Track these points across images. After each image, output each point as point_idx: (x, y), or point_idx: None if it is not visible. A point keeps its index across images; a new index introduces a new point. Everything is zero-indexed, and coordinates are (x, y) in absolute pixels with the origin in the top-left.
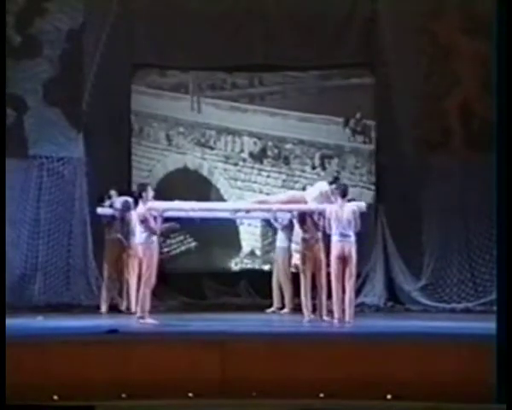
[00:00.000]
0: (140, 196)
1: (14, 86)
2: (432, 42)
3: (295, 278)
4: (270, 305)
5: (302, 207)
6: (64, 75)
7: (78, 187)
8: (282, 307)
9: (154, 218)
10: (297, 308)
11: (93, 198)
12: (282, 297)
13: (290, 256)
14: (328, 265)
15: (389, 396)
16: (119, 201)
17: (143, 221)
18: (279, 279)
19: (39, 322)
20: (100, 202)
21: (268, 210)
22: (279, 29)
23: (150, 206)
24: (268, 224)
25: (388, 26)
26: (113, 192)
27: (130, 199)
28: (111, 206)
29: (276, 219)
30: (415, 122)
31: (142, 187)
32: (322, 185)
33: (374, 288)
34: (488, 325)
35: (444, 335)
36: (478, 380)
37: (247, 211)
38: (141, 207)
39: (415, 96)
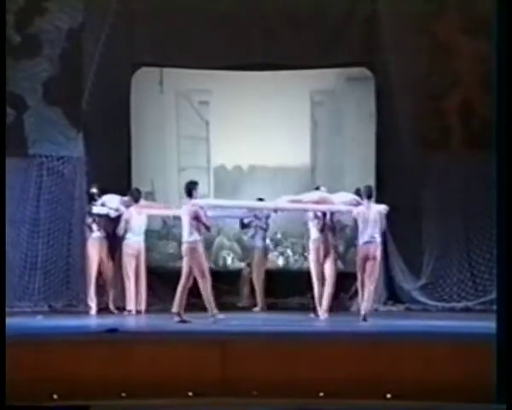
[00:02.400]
0: (190, 195)
1: (13, 85)
2: (432, 42)
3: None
4: (273, 304)
5: (332, 207)
6: (64, 74)
7: (78, 186)
8: (254, 305)
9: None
10: (270, 307)
11: None
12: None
13: (266, 255)
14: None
15: (389, 395)
16: (115, 199)
17: (196, 218)
18: (253, 278)
19: (39, 321)
20: (91, 201)
21: (303, 209)
22: (279, 28)
23: (195, 202)
24: (241, 224)
25: (388, 25)
26: (94, 190)
27: (124, 198)
28: (102, 204)
29: (260, 219)
30: (415, 121)
31: (193, 185)
32: (349, 194)
33: None
34: (488, 324)
35: (443, 334)
36: (477, 379)
37: (283, 210)
38: (190, 205)
39: (415, 96)
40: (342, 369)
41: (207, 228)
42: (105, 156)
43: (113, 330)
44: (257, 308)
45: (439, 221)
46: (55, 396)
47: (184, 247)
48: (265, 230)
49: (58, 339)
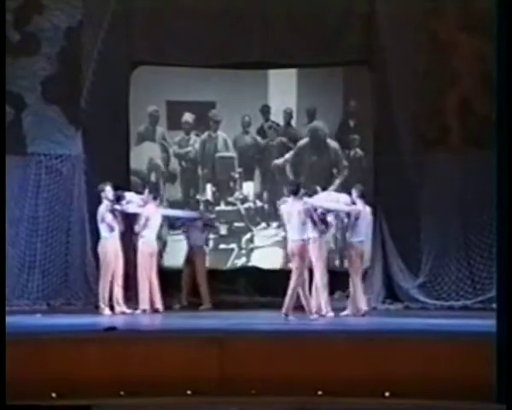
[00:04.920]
0: (296, 193)
1: (12, 84)
2: (431, 39)
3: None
4: (271, 303)
5: (346, 208)
6: (62, 73)
7: (77, 185)
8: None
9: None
10: (268, 306)
11: (91, 196)
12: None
13: (204, 255)
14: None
15: (387, 394)
16: (135, 196)
17: (310, 215)
18: (196, 277)
19: (38, 319)
20: (119, 201)
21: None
22: (277, 27)
23: (307, 200)
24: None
25: (387, 23)
26: (108, 188)
27: (142, 195)
28: (127, 202)
29: (206, 219)
30: (413, 120)
31: (298, 184)
32: (343, 194)
33: (372, 286)
34: (486, 322)
35: (442, 332)
36: (476, 377)
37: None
38: (302, 203)
39: (413, 94)
40: (340, 367)
41: (318, 224)
42: (104, 155)
43: (111, 329)
44: (203, 307)
45: (438, 220)
46: (53, 395)
47: (296, 245)
48: (207, 228)
49: (57, 338)
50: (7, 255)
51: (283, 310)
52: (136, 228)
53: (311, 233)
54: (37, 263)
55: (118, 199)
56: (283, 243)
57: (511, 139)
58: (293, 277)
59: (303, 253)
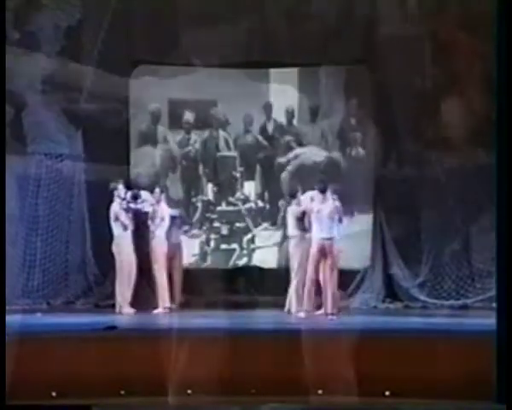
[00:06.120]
0: (324, 191)
1: (12, 83)
2: (431, 40)
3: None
4: (271, 302)
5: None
6: (62, 72)
7: (77, 184)
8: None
9: None
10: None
11: (91, 195)
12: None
13: (182, 253)
14: None
15: (387, 393)
16: (150, 195)
17: (338, 214)
18: (173, 275)
19: (38, 319)
20: (136, 200)
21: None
22: (277, 26)
23: (335, 198)
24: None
25: (387, 24)
26: (120, 186)
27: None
28: (142, 201)
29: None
30: (414, 120)
31: (327, 182)
32: None
33: (372, 285)
34: (486, 321)
35: (442, 331)
36: (476, 377)
37: None
38: (332, 200)
39: (414, 95)
40: (340, 367)
41: (342, 222)
42: (104, 154)
43: (112, 328)
44: (173, 305)
45: (438, 219)
46: (53, 394)
47: (328, 243)
48: (181, 225)
49: (57, 337)
50: (7, 255)
51: (329, 311)
52: (152, 227)
53: (294, 232)
54: (37, 262)
55: (135, 198)
56: (283, 242)
57: (511, 139)
58: (333, 274)
59: (333, 250)
